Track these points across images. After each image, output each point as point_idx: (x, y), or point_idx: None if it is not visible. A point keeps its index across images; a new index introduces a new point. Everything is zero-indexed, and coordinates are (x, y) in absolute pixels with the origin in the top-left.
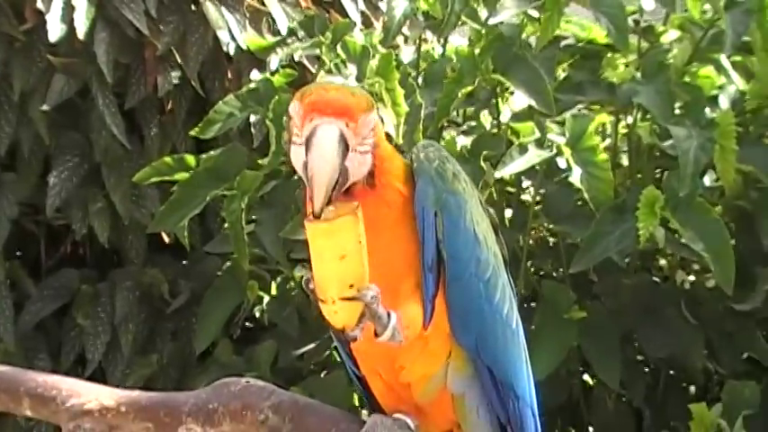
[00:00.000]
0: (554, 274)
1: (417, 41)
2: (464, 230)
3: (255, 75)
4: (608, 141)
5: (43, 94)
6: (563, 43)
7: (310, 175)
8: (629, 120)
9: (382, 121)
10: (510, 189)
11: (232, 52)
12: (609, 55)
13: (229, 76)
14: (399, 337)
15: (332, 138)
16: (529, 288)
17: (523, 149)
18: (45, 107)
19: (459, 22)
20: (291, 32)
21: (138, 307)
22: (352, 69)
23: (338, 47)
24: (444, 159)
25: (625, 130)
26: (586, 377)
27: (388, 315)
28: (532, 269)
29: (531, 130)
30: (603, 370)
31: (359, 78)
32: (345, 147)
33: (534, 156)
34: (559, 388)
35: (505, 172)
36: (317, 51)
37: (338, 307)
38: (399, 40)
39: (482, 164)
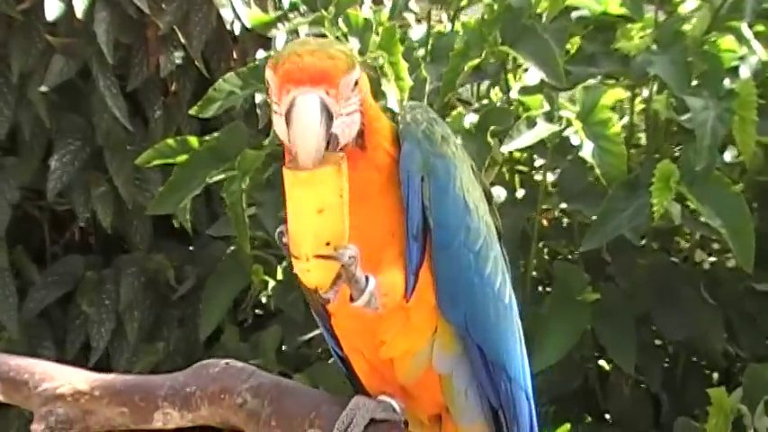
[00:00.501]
0: (570, 257)
1: (427, 17)
2: (453, 197)
3: (261, 54)
4: (625, 119)
5: (43, 75)
6: (576, 15)
7: (295, 150)
8: (646, 94)
9: (373, 78)
10: (523, 168)
11: (237, 32)
12: (624, 26)
13: (234, 56)
14: (376, 303)
15: (312, 110)
16: (542, 270)
17: (531, 123)
18: (43, 88)
19: None
20: (293, 7)
21: (143, 293)
22: (354, 43)
23: (340, 20)
24: (432, 121)
25: (642, 106)
26: (602, 362)
27: (366, 279)
28: (546, 251)
29: (540, 104)
30: (618, 354)
31: (362, 52)
32: (329, 115)
33: (543, 129)
34: (573, 373)
35: (512, 146)
36: (322, 28)
37: (312, 265)
38: (411, 19)
39: (489, 139)
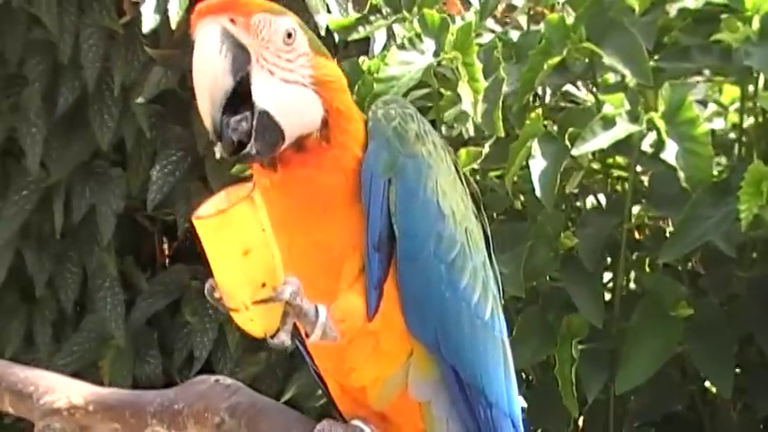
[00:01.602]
0: (679, 268)
1: (528, 14)
2: (422, 201)
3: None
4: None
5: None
6: (678, 6)
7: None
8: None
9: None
10: (622, 173)
11: (337, 38)
12: (726, 16)
13: (337, 62)
14: (333, 333)
15: (210, 35)
16: (641, 283)
17: (609, 123)
18: (141, 99)
19: None
20: (374, 9)
21: None
22: (429, 44)
23: (415, 21)
24: (408, 117)
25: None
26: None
27: (316, 310)
28: (648, 261)
29: (621, 102)
30: (714, 375)
31: (436, 53)
32: (241, 49)
33: (621, 130)
34: (671, 394)
35: (585, 149)
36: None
37: (253, 313)
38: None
39: (566, 142)
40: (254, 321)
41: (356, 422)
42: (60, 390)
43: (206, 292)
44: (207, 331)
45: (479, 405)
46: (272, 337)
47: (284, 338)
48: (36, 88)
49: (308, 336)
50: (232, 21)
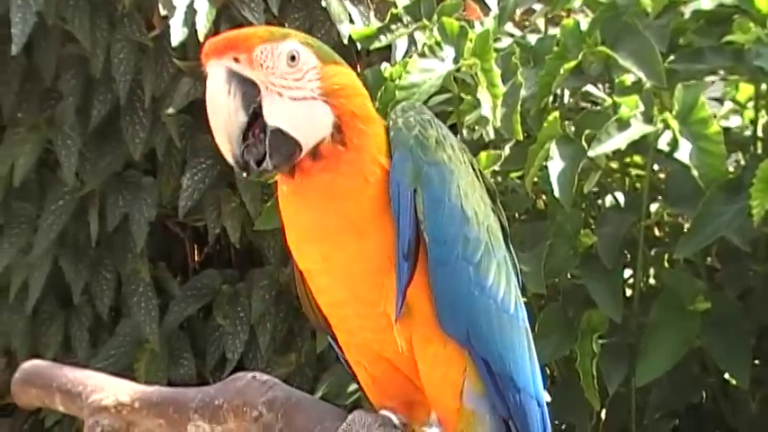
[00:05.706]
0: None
1: (545, 18)
2: (449, 207)
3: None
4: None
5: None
6: (691, 9)
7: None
8: None
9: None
10: (640, 172)
11: (359, 46)
12: (738, 18)
13: (360, 69)
14: None
15: (217, 78)
16: (659, 278)
17: (624, 124)
18: (171, 110)
19: None
20: (395, 18)
21: (275, 306)
22: (449, 51)
23: (435, 29)
24: (427, 124)
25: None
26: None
27: None
28: (666, 256)
29: (636, 104)
30: (731, 367)
31: (456, 60)
32: (248, 84)
33: (636, 131)
34: (690, 387)
35: (601, 149)
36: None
37: None
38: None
39: (583, 143)
40: None
41: (385, 412)
42: (108, 388)
43: None
44: (238, 334)
45: (509, 391)
46: None
47: None
48: (70, 102)
49: None
50: (236, 59)
